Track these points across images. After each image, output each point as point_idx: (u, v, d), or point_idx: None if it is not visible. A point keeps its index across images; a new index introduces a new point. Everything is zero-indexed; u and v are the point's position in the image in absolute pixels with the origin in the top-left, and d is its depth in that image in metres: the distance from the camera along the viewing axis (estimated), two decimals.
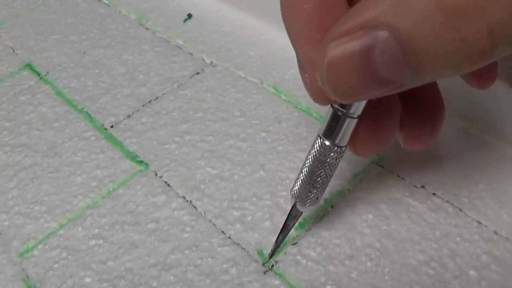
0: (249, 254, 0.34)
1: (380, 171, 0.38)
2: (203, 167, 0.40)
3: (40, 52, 0.54)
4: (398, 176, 0.37)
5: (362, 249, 0.34)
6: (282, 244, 0.34)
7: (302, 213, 0.32)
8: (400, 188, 0.36)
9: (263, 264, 0.34)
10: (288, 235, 0.33)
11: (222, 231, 0.36)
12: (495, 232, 0.34)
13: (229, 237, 0.35)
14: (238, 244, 0.35)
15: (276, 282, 0.33)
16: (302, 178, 0.29)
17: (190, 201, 0.38)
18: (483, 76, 0.30)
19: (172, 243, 0.36)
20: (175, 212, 0.37)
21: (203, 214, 0.37)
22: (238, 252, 0.34)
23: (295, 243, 0.34)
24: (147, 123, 0.44)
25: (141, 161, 0.41)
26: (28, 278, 0.36)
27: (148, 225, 0.37)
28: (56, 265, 0.36)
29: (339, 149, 0.28)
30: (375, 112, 0.28)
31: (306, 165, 0.29)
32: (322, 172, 0.29)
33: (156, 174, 0.40)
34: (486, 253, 0.33)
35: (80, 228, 0.38)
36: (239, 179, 0.38)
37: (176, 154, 0.41)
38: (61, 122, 0.46)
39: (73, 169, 0.42)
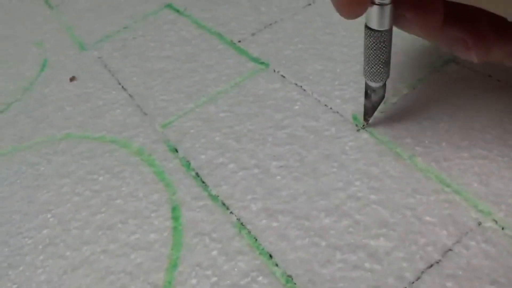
0: (346, 119, 0.43)
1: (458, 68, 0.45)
2: (311, 65, 0.49)
3: None
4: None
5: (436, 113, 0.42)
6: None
7: (380, 89, 0.38)
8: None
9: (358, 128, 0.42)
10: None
11: (325, 105, 0.45)
12: None
13: (331, 108, 0.44)
14: (337, 112, 0.44)
15: (366, 136, 0.41)
16: (366, 62, 0.35)
17: (301, 86, 0.47)
18: None
19: (285, 113, 0.45)
20: (288, 93, 0.47)
21: (311, 94, 0.46)
22: (337, 117, 0.43)
23: (382, 112, 0.43)
24: (268, 38, 0.54)
25: (263, 62, 0.51)
26: (169, 140, 0.46)
27: (267, 102, 0.47)
28: (192, 130, 0.46)
29: (385, 32, 0.33)
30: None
31: (365, 52, 0.34)
32: (380, 53, 0.34)
33: (274, 71, 0.50)
34: None
35: (213, 106, 0.48)
36: (340, 71, 0.47)
37: (291, 56, 0.51)
38: (197, 40, 0.57)
39: (207, 70, 0.52)
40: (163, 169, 0.43)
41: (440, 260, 0.32)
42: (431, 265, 0.32)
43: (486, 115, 0.39)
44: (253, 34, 0.54)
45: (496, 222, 0.33)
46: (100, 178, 0.45)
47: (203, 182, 0.41)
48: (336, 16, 0.53)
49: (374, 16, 0.32)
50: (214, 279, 0.35)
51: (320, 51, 0.49)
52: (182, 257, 0.37)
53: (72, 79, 0.57)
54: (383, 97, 0.39)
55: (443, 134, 0.39)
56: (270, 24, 0.54)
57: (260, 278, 0.34)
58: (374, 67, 0.35)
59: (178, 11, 0.62)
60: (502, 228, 0.33)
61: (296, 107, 0.44)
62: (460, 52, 0.33)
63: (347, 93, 0.44)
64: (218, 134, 0.44)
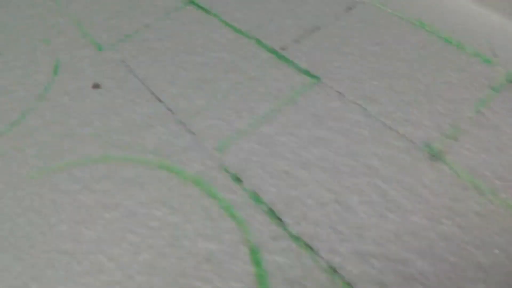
0: (417, 145, 0.42)
1: None
2: (367, 80, 0.47)
3: None
4: None
5: None
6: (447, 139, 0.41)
7: None
8: None
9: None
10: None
11: (392, 128, 0.43)
12: None
13: (399, 132, 0.43)
14: (404, 136, 0.42)
15: (444, 167, 0.40)
16: None
17: (360, 105, 0.45)
18: None
19: (352, 138, 0.43)
20: (349, 113, 0.45)
21: (375, 115, 0.44)
22: (408, 144, 0.42)
23: (457, 141, 0.41)
24: (313, 46, 0.51)
25: (314, 75, 0.49)
26: (228, 167, 0.44)
27: (328, 124, 0.45)
28: (252, 156, 0.44)
29: None
30: None
31: None
32: None
33: (328, 86, 0.48)
34: None
35: (268, 127, 0.46)
36: (400, 89, 0.46)
37: (342, 68, 0.49)
38: (232, 45, 0.54)
39: (252, 82, 0.50)
40: (229, 202, 0.41)
41: None
42: None
43: None
44: (296, 41, 0.51)
45: None
46: (157, 212, 0.41)
47: (280, 219, 0.39)
48: (381, 22, 0.51)
49: None
50: None
51: (371, 63, 0.47)
52: None
53: (96, 86, 0.53)
54: None
55: None
56: (313, 30, 0.52)
57: None
58: None
59: (203, 9, 0.58)
60: None
61: (364, 131, 0.43)
62: None
63: (413, 116, 0.43)
64: (282, 160, 0.43)
